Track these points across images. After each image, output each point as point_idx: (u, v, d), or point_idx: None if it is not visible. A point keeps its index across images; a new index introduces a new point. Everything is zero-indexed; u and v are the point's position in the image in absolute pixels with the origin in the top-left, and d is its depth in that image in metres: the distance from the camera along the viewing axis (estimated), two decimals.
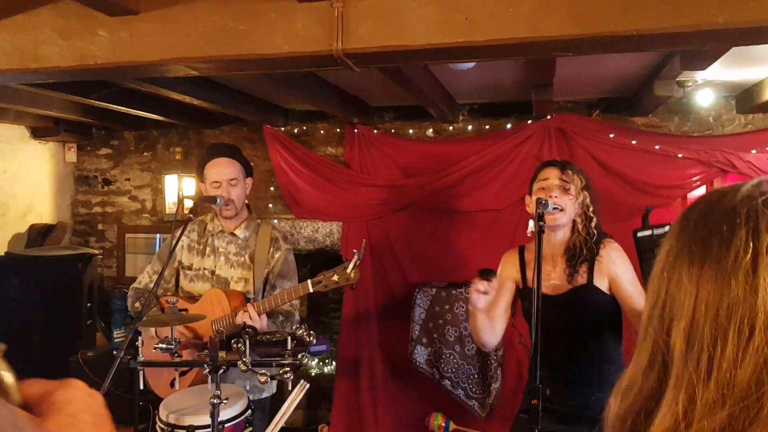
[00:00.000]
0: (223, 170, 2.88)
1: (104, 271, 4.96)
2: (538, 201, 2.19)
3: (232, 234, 2.96)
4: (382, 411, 3.99)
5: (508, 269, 2.46)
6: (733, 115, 3.64)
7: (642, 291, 2.31)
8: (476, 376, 3.75)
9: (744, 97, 3.51)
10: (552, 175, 2.36)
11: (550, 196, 2.26)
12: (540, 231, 2.12)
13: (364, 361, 4.05)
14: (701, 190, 3.47)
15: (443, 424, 3.80)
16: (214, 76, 3.36)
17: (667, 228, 1.86)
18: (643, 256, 1.87)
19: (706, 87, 3.10)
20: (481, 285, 2.10)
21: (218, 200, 2.84)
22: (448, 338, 3.76)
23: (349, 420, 3.99)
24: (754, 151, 3.25)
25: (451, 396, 3.79)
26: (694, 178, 3.41)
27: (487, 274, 2.12)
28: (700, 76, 3.03)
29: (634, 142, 3.50)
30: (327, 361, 4.56)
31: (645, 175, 3.47)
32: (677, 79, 3.05)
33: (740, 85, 3.37)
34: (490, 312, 2.33)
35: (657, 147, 3.45)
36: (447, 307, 3.80)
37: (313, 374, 4.51)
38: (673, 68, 2.63)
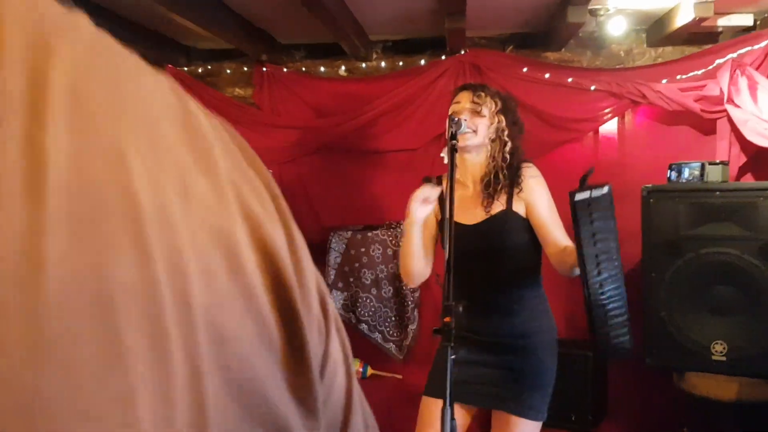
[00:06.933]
0: None
1: None
2: (451, 119, 2.10)
3: None
4: None
5: None
6: (643, 49, 3.66)
7: (558, 221, 2.26)
8: (393, 318, 3.68)
9: (654, 29, 3.52)
10: (464, 99, 2.27)
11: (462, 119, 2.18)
12: (453, 150, 2.03)
13: None
14: (613, 123, 3.48)
15: (361, 370, 3.72)
16: None
17: (605, 189, 1.77)
18: (579, 220, 1.77)
19: (618, 15, 3.08)
20: (425, 190, 1.98)
21: None
22: (365, 281, 3.66)
23: None
24: (664, 81, 3.28)
25: (369, 340, 3.70)
26: (606, 110, 3.40)
27: (431, 181, 2.01)
28: (611, 3, 2.99)
29: (547, 75, 3.46)
30: None
31: (558, 110, 3.45)
32: (589, 7, 3.00)
33: (651, 15, 3.37)
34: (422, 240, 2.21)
35: (570, 80, 3.43)
36: (363, 250, 3.69)
37: None
38: None
